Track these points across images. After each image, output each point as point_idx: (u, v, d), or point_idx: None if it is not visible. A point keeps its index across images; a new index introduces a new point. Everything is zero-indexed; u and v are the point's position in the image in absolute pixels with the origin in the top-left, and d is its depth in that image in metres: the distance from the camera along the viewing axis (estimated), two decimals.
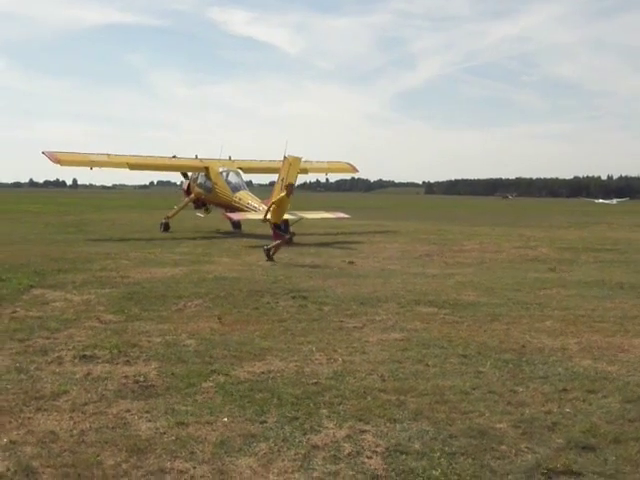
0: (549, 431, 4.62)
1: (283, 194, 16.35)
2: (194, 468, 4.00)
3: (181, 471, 3.97)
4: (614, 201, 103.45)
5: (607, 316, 8.87)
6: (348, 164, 30.23)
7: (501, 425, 4.72)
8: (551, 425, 4.73)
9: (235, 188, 23.96)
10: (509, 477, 3.90)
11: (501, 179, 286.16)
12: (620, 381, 5.83)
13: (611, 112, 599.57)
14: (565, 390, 5.54)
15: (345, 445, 4.35)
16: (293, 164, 22.35)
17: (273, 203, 16.24)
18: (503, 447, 4.33)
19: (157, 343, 7.08)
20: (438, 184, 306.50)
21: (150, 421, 4.77)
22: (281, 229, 16.03)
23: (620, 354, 6.84)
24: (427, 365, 6.30)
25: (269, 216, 16.12)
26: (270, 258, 14.99)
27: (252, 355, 6.62)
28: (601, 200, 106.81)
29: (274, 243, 15.48)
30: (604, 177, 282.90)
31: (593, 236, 25.61)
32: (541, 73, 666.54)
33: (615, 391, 5.54)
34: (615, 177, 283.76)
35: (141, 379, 5.76)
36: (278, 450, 4.27)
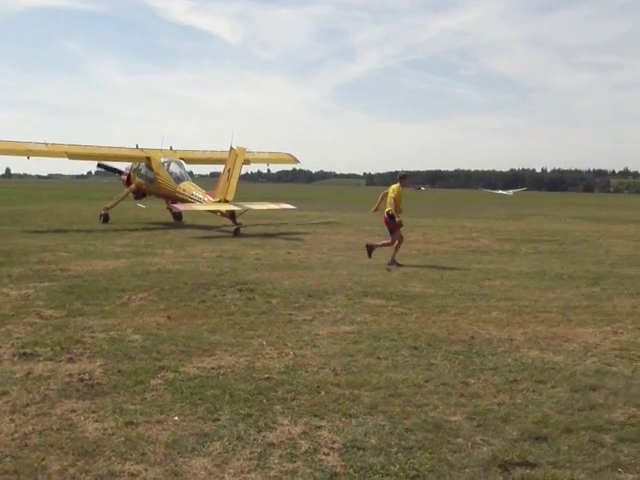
0: (503, 422, 4.65)
1: (397, 185, 13.91)
2: (146, 470, 3.85)
3: (132, 474, 3.81)
4: (510, 192, 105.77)
5: (550, 306, 9.06)
6: (289, 155, 30.09)
7: (456, 418, 4.73)
8: (504, 416, 4.76)
9: (178, 179, 23.54)
10: (466, 470, 3.90)
11: (440, 171, 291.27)
12: (567, 371, 5.94)
13: (546, 107, 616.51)
14: (515, 381, 5.60)
15: (301, 442, 4.28)
16: (240, 155, 22.09)
17: (393, 198, 13.60)
18: (459, 440, 4.33)
19: (101, 339, 6.84)
20: (379, 175, 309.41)
21: (97, 422, 4.58)
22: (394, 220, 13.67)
23: (565, 344, 6.98)
24: (379, 358, 6.28)
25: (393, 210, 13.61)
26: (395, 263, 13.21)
27: (201, 350, 6.46)
28: (500, 191, 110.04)
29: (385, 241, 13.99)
30: (539, 170, 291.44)
31: (531, 227, 26.24)
32: (479, 67, 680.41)
33: (563, 381, 5.63)
34: (549, 170, 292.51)
35: (86, 377, 5.53)
36: (233, 449, 4.16)
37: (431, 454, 4.10)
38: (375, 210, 14.49)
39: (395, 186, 13.86)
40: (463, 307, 8.92)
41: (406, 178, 14.53)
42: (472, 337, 7.16)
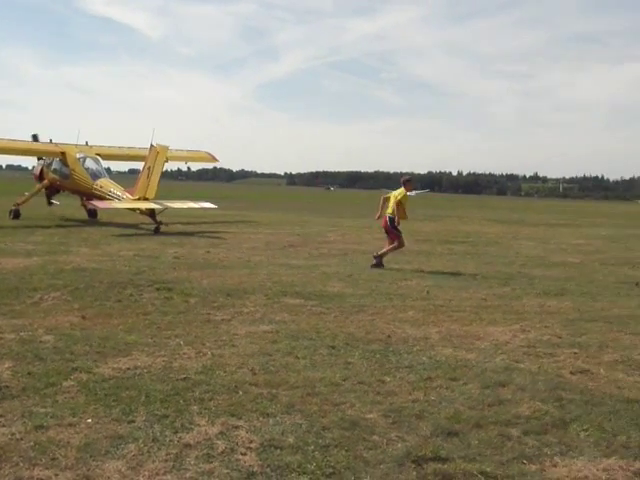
0: (417, 419, 4.77)
1: (402, 189, 13.74)
2: (56, 475, 3.74)
3: (42, 479, 3.70)
4: (413, 193, 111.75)
5: (463, 306, 9.36)
6: (208, 153, 29.70)
7: (372, 415, 4.82)
8: (418, 413, 4.89)
9: (95, 175, 22.87)
10: (381, 467, 3.99)
11: (360, 172, 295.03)
12: (478, 368, 6.15)
13: (463, 112, 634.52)
14: (430, 378, 5.76)
15: (218, 442, 4.26)
16: (161, 153, 21.66)
17: (398, 203, 13.49)
18: (375, 437, 4.42)
19: (10, 340, 6.58)
20: (300, 175, 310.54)
21: (4, 426, 4.40)
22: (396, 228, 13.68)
23: (477, 342, 7.23)
24: (297, 357, 6.32)
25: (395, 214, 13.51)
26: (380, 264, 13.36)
27: (116, 350, 6.32)
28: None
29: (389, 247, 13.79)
30: (455, 173, 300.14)
31: (447, 229, 26.98)
32: (399, 71, 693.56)
33: (474, 378, 5.83)
34: (465, 173, 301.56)
35: None
36: (148, 451, 4.09)
37: (347, 451, 4.17)
38: (379, 217, 14.08)
39: (400, 190, 13.71)
40: (380, 306, 9.09)
41: (411, 182, 14.42)
42: (389, 336, 7.31)
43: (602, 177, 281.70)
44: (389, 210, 13.61)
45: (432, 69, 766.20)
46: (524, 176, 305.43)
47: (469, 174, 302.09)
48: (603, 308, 9.61)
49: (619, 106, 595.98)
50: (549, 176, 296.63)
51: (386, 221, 13.73)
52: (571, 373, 6.12)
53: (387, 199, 13.85)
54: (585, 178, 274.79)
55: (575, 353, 6.84)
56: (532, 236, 24.39)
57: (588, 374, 6.11)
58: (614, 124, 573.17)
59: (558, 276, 13.03)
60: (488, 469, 3.98)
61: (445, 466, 4.01)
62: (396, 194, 13.63)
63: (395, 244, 13.74)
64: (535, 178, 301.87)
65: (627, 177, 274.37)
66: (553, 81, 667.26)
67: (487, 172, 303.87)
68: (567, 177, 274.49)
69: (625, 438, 4.54)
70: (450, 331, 7.70)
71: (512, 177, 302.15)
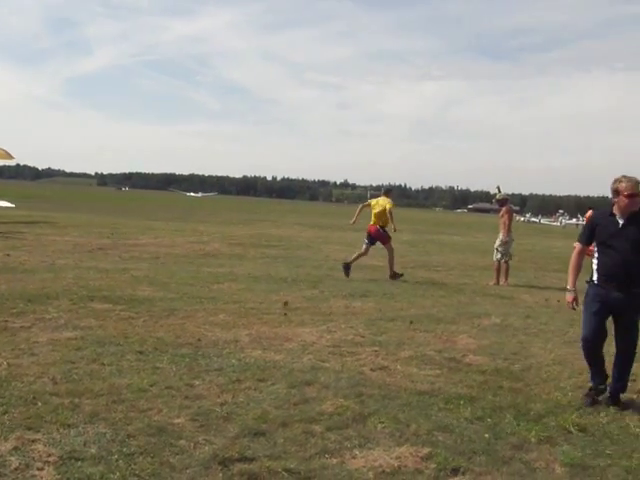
0: (225, 421, 4.82)
1: (386, 198, 14.39)
2: None
3: None
4: (199, 194, 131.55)
5: (274, 308, 9.57)
6: (2, 150, 27.47)
7: (179, 420, 4.79)
8: (226, 415, 4.94)
9: None
10: (188, 471, 3.98)
11: (175, 174, 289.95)
12: (286, 368, 6.34)
13: (278, 119, 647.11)
14: (238, 380, 5.84)
15: (12, 459, 3.98)
16: None
17: (390, 211, 14.01)
18: (182, 442, 4.39)
19: None
20: (112, 176, 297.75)
21: None
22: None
23: (285, 343, 7.44)
24: (103, 364, 6.09)
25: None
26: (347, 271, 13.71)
27: None
28: (191, 194, 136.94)
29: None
30: (269, 177, 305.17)
31: (260, 233, 27.37)
32: (215, 75, 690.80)
33: (282, 378, 6.00)
34: (279, 178, 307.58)
35: None
36: None
37: (153, 458, 4.11)
38: (354, 222, 14.77)
39: (386, 199, 14.23)
40: (191, 310, 9.03)
41: (392, 191, 15.36)
42: (199, 339, 7.29)
43: (405, 185, 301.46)
44: (373, 219, 14.19)
45: (248, 74, 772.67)
46: (335, 182, 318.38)
47: (283, 179, 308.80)
48: (402, 308, 10.32)
49: (421, 120, 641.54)
50: (358, 183, 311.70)
51: (378, 230, 14.19)
52: (371, 370, 6.51)
53: (366, 207, 14.60)
54: (391, 186, 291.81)
55: (376, 351, 7.28)
56: (340, 240, 25.47)
57: (386, 370, 6.54)
58: (417, 136, 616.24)
59: (363, 278, 13.76)
60: (292, 465, 4.13)
61: (251, 466, 4.09)
62: (385, 203, 14.15)
63: (391, 252, 14.17)
64: (345, 185, 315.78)
65: (427, 186, 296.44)
66: (363, 93, 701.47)
67: (300, 178, 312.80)
68: (374, 184, 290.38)
69: (416, 427, 4.93)
70: (260, 333, 7.84)
71: (324, 183, 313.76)
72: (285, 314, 9.08)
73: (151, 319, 8.28)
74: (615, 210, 5.74)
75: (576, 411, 5.53)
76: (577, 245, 6.04)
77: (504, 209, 14.83)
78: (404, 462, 4.31)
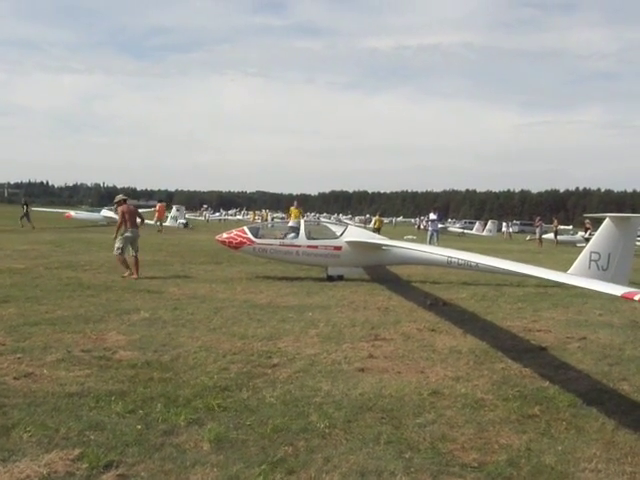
0: None
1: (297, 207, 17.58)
2: None
3: None
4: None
5: None
6: None
7: None
8: None
9: None
10: None
11: None
12: None
13: None
14: None
15: None
16: None
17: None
18: None
19: None
20: None
21: None
22: None
23: None
24: None
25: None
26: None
27: None
28: None
29: None
30: None
31: None
32: None
33: None
34: None
35: None
36: None
37: None
38: None
39: (297, 208, 18.01)
40: None
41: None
42: None
43: (47, 183, 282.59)
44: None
45: None
46: None
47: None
48: (48, 311, 9.83)
49: (62, 114, 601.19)
50: None
51: None
52: (15, 378, 6.15)
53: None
54: (31, 184, 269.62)
55: (19, 358, 6.88)
56: None
57: (32, 376, 6.24)
58: (58, 131, 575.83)
59: (3, 283, 12.71)
60: None
61: None
62: (297, 211, 18.33)
63: None
64: None
65: (71, 184, 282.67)
66: None
67: None
68: (12, 182, 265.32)
69: (65, 430, 4.84)
70: None
71: None
72: None
73: None
74: None
75: (221, 392, 5.99)
76: None
77: (121, 208, 15.23)
78: (54, 468, 4.22)
